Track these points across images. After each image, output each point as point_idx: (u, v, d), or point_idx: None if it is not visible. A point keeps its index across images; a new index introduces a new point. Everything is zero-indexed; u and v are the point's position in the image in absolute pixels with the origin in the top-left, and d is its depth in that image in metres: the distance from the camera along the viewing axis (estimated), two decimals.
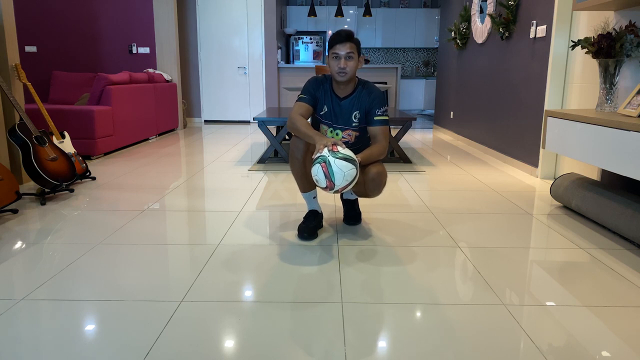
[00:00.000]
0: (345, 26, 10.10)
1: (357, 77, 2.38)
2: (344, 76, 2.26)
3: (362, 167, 2.23)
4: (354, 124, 2.35)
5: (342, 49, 2.23)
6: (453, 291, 1.81)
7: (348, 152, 2.03)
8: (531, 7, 3.99)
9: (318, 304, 1.70)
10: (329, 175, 1.98)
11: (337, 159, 1.98)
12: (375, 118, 2.31)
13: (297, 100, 2.36)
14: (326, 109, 2.36)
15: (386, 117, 2.32)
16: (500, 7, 4.64)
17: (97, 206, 2.94)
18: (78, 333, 1.49)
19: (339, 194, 3.25)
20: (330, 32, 10.21)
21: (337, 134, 2.38)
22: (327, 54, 2.34)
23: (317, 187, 2.45)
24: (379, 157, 2.26)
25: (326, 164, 1.98)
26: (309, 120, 2.34)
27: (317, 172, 2.01)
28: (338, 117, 2.36)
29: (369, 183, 2.23)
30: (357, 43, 2.29)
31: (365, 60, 10.16)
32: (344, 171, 1.98)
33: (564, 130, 2.68)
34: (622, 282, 1.91)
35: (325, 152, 2.01)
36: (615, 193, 2.55)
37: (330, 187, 2.00)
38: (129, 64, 6.70)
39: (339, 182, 1.98)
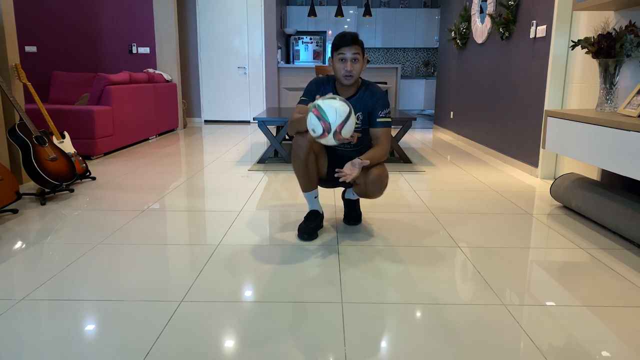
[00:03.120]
0: (346, 26, 10.10)
1: (360, 77, 2.37)
2: (350, 79, 2.25)
3: (364, 168, 2.23)
4: (356, 125, 2.34)
5: (349, 51, 2.22)
6: (453, 291, 1.81)
7: (337, 96, 2.06)
8: (531, 7, 3.99)
9: (318, 304, 1.70)
10: (321, 116, 1.97)
11: (326, 99, 2.01)
12: (378, 120, 2.30)
13: (298, 103, 2.36)
14: None
15: (389, 119, 2.31)
16: (500, 7, 4.64)
17: (97, 206, 2.94)
18: (78, 333, 1.49)
19: (340, 195, 3.25)
20: (330, 32, 10.21)
21: None
22: (330, 56, 2.32)
23: (318, 188, 2.45)
24: (381, 159, 2.25)
25: (316, 108, 1.99)
26: None
27: (310, 120, 2.01)
28: None
29: (370, 185, 2.22)
30: (362, 45, 2.27)
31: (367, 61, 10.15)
32: (334, 106, 1.98)
33: (564, 130, 2.68)
34: (622, 282, 1.91)
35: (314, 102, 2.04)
36: (615, 193, 2.55)
37: (326, 128, 1.98)
38: (129, 64, 6.70)
39: (333, 119, 1.97)
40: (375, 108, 2.30)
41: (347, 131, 2.02)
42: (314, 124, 1.99)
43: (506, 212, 2.87)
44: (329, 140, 2.02)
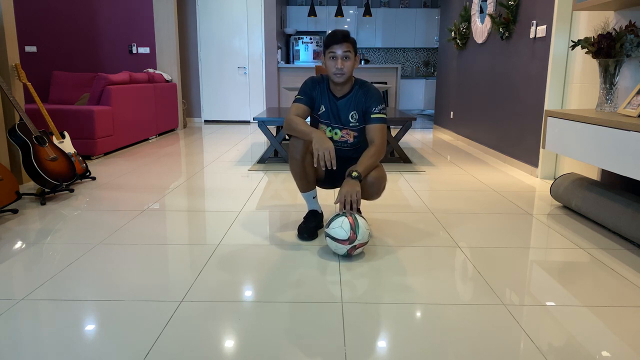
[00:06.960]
0: (345, 26, 10.10)
1: (354, 76, 2.37)
2: (342, 77, 2.25)
3: None
4: (351, 124, 2.34)
5: (339, 49, 2.21)
6: (453, 291, 1.81)
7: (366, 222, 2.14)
8: (531, 7, 3.99)
9: (318, 304, 1.70)
10: (354, 228, 2.05)
11: (360, 217, 2.10)
12: (372, 116, 2.28)
13: (293, 102, 2.36)
14: (323, 109, 2.36)
15: (383, 115, 2.29)
16: (500, 7, 4.64)
17: (97, 206, 2.94)
18: (78, 333, 1.49)
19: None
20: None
21: (335, 133, 2.38)
22: (323, 54, 2.32)
23: (316, 187, 2.45)
24: (377, 160, 2.23)
25: (353, 217, 2.07)
26: (307, 120, 2.33)
27: (342, 222, 2.06)
28: (335, 116, 2.35)
29: (368, 187, 2.22)
30: (353, 43, 2.27)
31: (365, 60, 10.15)
32: (366, 227, 2.09)
33: (564, 130, 2.68)
34: (622, 282, 1.91)
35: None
36: (615, 193, 2.54)
37: (352, 239, 2.05)
38: (129, 64, 6.70)
39: (361, 237, 2.07)
40: (369, 105, 2.29)
41: (356, 253, 2.13)
42: (344, 228, 2.05)
43: (506, 212, 2.87)
44: (339, 249, 2.09)
